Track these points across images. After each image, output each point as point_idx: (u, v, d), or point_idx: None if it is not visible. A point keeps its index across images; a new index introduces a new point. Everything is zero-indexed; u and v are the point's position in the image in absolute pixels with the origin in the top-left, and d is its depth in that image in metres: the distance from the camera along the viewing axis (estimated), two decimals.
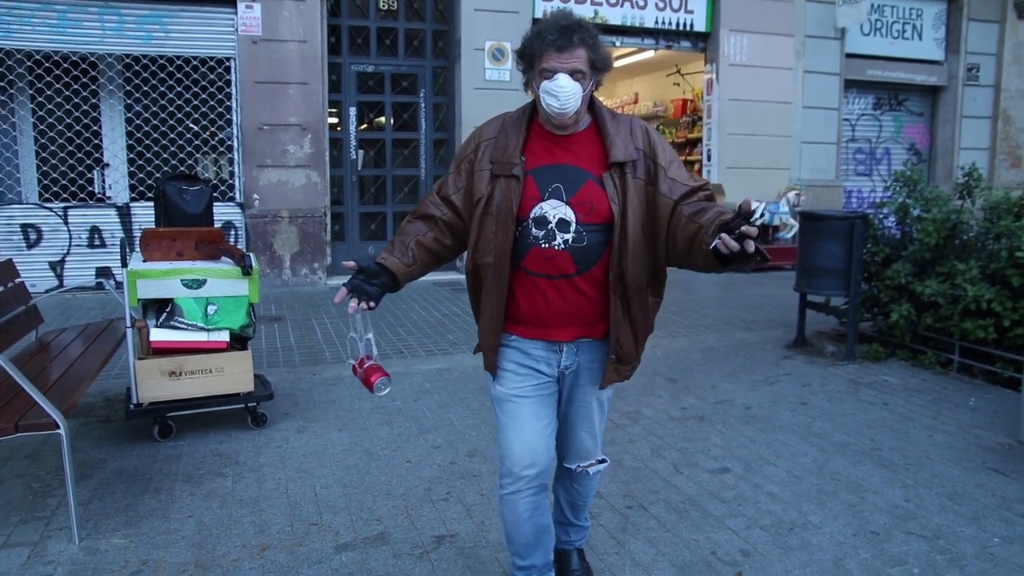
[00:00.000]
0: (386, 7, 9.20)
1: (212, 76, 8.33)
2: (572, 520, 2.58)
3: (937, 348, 5.36)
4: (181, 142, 8.40)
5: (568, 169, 2.12)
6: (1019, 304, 4.78)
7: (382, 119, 9.45)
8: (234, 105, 8.43)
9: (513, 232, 2.11)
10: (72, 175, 8.09)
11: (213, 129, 8.56)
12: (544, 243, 2.11)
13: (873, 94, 12.03)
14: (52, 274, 7.97)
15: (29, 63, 7.97)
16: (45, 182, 8.17)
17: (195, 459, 3.68)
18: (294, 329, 6.44)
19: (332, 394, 4.68)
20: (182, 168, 8.36)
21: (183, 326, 3.86)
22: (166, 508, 3.16)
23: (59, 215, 7.97)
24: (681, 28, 10.39)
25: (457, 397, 4.64)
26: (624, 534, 2.98)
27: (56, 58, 7.85)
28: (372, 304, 2.19)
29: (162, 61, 8.13)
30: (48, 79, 7.89)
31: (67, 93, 7.96)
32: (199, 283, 3.86)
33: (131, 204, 8.21)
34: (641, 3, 10.14)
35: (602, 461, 2.50)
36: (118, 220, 8.13)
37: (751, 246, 1.77)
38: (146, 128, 8.28)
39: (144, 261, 3.93)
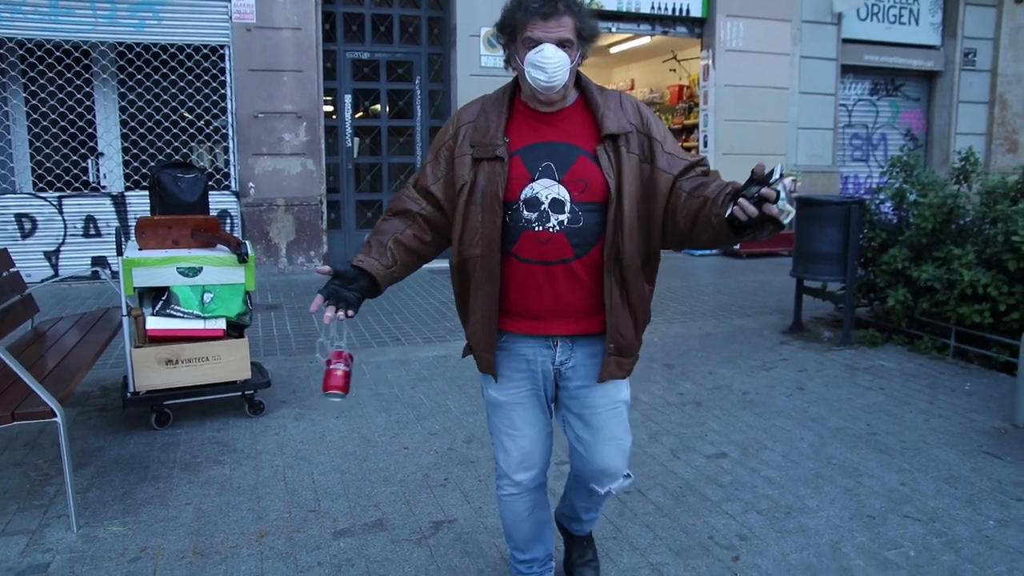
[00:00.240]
0: None
1: (206, 64, 8.28)
2: (583, 517, 2.44)
3: (933, 333, 5.37)
4: (176, 131, 8.36)
5: (558, 146, 1.96)
6: (1015, 288, 4.79)
7: (377, 107, 9.41)
8: (229, 93, 8.39)
9: (501, 217, 1.95)
10: (66, 164, 8.06)
11: (208, 117, 8.51)
12: (538, 226, 1.95)
13: (870, 79, 12.00)
14: (47, 264, 7.94)
15: (21, 51, 7.91)
16: (39, 171, 8.13)
17: (192, 447, 3.68)
18: (291, 317, 6.43)
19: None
20: (177, 157, 8.33)
21: (179, 314, 3.86)
22: (164, 496, 3.17)
23: (54, 205, 7.93)
24: (677, 14, 10.34)
25: (454, 384, 4.64)
26: (622, 519, 2.99)
27: (49, 46, 7.79)
28: (351, 312, 2.01)
29: (155, 49, 8.07)
30: (41, 67, 7.83)
31: (60, 82, 7.91)
32: (195, 271, 3.85)
33: (126, 193, 8.18)
34: None
35: (627, 476, 2.24)
36: (113, 209, 8.10)
37: (773, 209, 1.67)
38: (140, 117, 8.23)
39: (140, 249, 3.91)
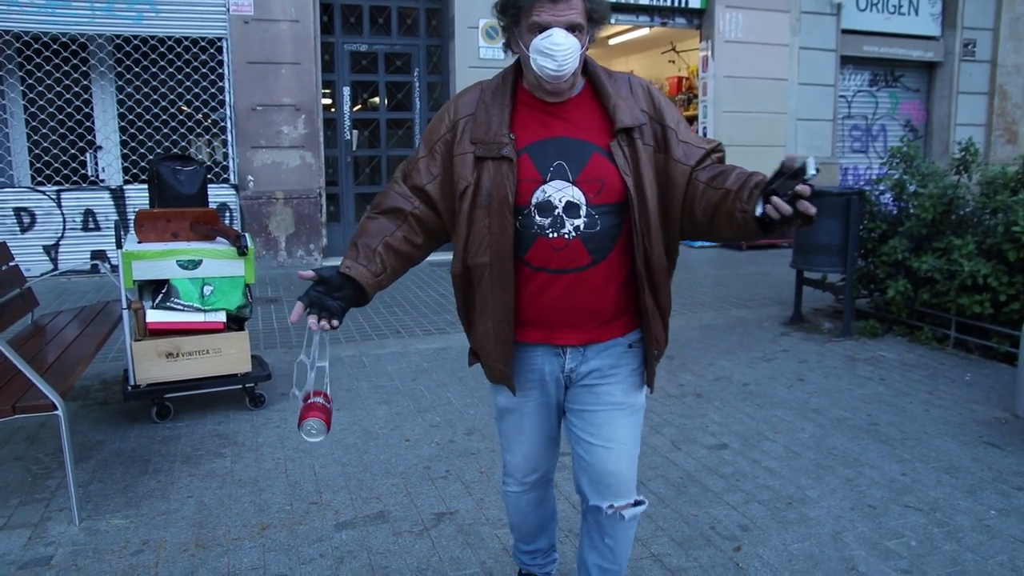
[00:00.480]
0: None
1: (204, 57, 8.25)
2: None
3: (933, 324, 5.37)
4: (174, 124, 8.33)
5: (568, 142, 1.78)
6: (1015, 279, 4.79)
7: (376, 99, 9.38)
8: (227, 86, 8.36)
9: (512, 224, 1.77)
10: (64, 158, 8.03)
11: (206, 111, 8.48)
12: (552, 232, 1.77)
13: (869, 70, 11.97)
14: (46, 258, 7.93)
15: (18, 44, 7.88)
16: (37, 165, 8.11)
17: (193, 440, 3.68)
18: (290, 311, 6.39)
19: (330, 374, 4.67)
20: (175, 150, 8.30)
21: (179, 307, 3.85)
22: (165, 489, 3.17)
23: (52, 198, 7.91)
24: (676, 5, 10.31)
25: (455, 376, 4.64)
26: None
27: (45, 39, 7.76)
28: (335, 322, 1.84)
29: (153, 42, 8.04)
30: (38, 60, 7.80)
31: (57, 75, 7.87)
32: (195, 264, 3.84)
33: (124, 187, 8.16)
34: None
35: (639, 503, 2.03)
36: (112, 203, 8.08)
37: (810, 208, 1.52)
38: (138, 110, 8.20)
39: (139, 242, 3.90)
